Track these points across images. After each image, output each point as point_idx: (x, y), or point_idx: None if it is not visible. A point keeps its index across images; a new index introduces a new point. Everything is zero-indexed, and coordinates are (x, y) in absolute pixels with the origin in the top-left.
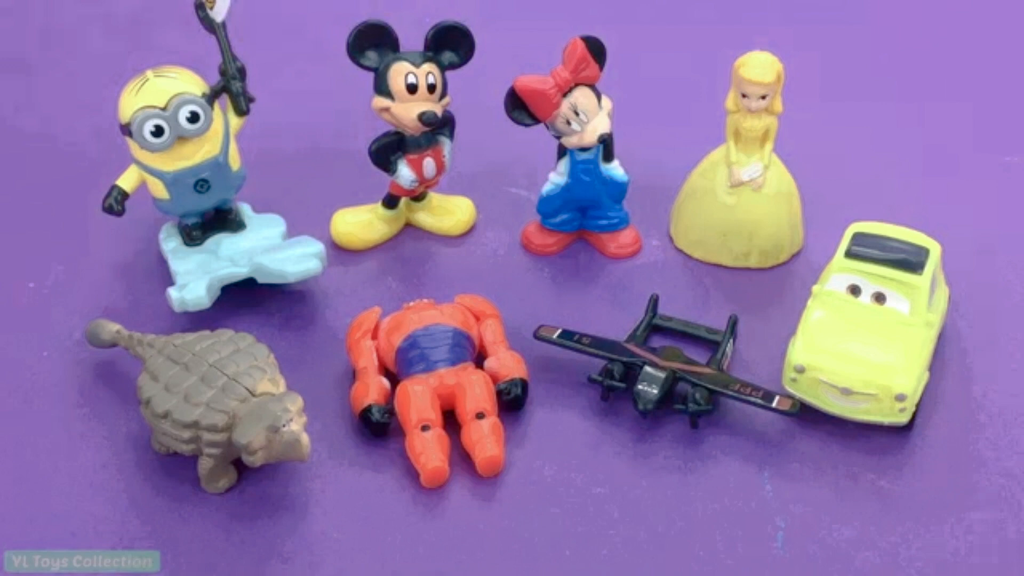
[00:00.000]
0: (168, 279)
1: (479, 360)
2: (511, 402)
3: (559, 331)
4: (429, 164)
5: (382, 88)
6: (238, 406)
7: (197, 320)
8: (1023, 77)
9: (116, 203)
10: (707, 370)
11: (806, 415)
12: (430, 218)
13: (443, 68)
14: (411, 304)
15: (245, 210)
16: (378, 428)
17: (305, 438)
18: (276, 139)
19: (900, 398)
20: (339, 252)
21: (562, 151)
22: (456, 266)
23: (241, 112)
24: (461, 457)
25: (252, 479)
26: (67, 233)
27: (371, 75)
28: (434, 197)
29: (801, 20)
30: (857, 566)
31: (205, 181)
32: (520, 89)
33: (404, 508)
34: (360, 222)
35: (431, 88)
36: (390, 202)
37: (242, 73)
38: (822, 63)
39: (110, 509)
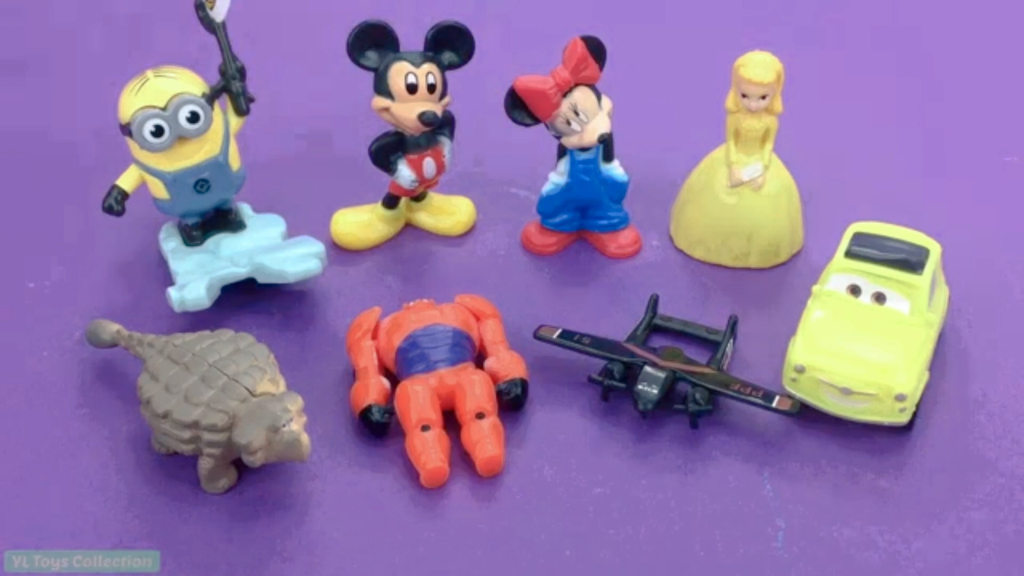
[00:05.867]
0: (168, 279)
1: (479, 360)
2: (511, 402)
3: (559, 331)
4: (429, 164)
5: (382, 88)
6: (238, 406)
7: (197, 320)
8: (1023, 77)
9: (116, 203)
10: (707, 370)
11: (806, 415)
12: (430, 218)
13: (443, 68)
14: (411, 304)
15: (245, 210)
16: (378, 428)
17: (305, 438)
18: (277, 139)
19: (900, 398)
20: (339, 252)
21: (562, 151)
22: (456, 266)
23: (241, 112)
24: (461, 457)
25: (252, 479)
26: (67, 233)
27: (371, 75)
28: (434, 197)
29: (801, 20)
30: (857, 566)
31: (205, 181)
32: (520, 89)
33: (404, 508)
34: (360, 222)
35: (431, 88)
36: (390, 202)
37: (242, 73)
38: (822, 63)
39: (110, 509)
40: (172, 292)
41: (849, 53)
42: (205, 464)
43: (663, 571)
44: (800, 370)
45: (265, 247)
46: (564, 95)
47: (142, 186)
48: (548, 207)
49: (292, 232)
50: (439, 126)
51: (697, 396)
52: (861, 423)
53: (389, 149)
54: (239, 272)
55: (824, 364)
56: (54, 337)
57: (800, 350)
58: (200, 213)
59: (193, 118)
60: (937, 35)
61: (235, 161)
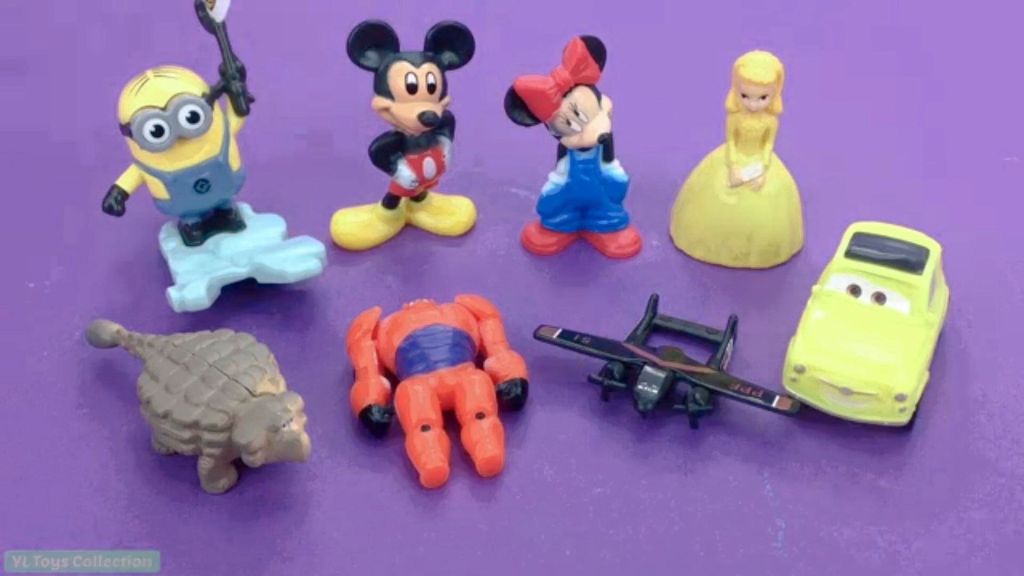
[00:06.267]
0: (168, 279)
1: (479, 360)
2: (511, 402)
3: (559, 331)
4: (429, 164)
5: (382, 88)
6: (238, 406)
7: (197, 320)
8: (1023, 77)
9: (116, 203)
10: (707, 370)
11: (806, 415)
12: (430, 218)
13: (443, 68)
14: (411, 304)
15: (245, 210)
16: (378, 428)
17: (305, 438)
18: (277, 139)
19: (900, 398)
20: (339, 252)
21: (562, 151)
22: (456, 266)
23: (241, 112)
24: (461, 457)
25: (252, 479)
26: (67, 233)
27: (371, 75)
28: (434, 197)
29: (801, 20)
30: (857, 566)
31: (205, 181)
32: (520, 89)
33: (404, 508)
34: (360, 222)
35: (431, 88)
36: (390, 202)
37: (242, 73)
38: (822, 63)
39: (110, 509)
40: (172, 292)
41: (849, 53)
42: (205, 464)
43: (663, 571)
44: (800, 370)
45: (265, 247)
46: (564, 95)
47: (142, 186)
48: (548, 207)
49: (292, 232)
50: (439, 126)
51: (697, 396)
52: (861, 423)
53: (389, 149)
54: (239, 272)
55: (824, 364)
56: (54, 337)
57: (800, 350)
58: (200, 213)
59: (193, 118)
60: (937, 35)
61: (235, 161)
